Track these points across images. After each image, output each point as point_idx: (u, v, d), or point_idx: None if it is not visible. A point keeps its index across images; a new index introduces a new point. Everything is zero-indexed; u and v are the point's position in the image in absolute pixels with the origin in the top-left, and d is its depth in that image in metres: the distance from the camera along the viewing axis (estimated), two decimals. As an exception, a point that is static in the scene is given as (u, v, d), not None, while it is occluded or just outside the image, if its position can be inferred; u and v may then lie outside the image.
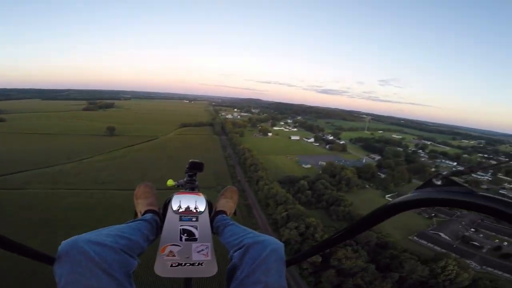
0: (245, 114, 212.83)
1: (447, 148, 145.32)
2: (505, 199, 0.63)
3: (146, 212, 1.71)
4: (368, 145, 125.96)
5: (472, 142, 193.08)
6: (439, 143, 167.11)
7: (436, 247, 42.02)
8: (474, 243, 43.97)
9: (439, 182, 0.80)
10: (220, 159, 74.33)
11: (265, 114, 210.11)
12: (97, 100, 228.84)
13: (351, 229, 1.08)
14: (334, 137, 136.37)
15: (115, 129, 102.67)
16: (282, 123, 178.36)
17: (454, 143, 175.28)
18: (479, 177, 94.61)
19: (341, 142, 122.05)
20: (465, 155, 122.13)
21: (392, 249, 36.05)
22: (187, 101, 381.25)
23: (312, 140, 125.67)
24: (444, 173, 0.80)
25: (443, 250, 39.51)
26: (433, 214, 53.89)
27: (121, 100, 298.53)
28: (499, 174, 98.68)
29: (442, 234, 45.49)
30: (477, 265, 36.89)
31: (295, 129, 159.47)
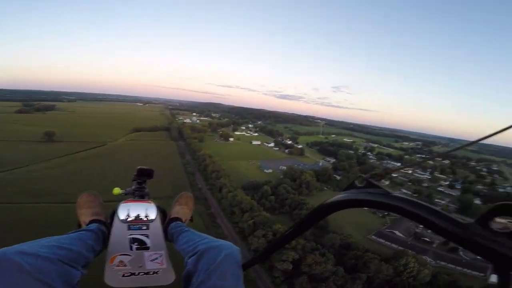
0: (204, 118, 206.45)
1: (391, 150, 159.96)
2: (412, 199, 0.72)
3: (90, 222, 1.62)
4: (323, 149, 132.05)
5: (411, 144, 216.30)
6: (384, 145, 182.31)
7: (393, 245, 44.44)
8: (425, 238, 47.66)
9: (361, 184, 0.89)
10: (178, 166, 70.08)
11: (226, 119, 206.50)
12: (35, 102, 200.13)
13: (294, 230, 1.18)
14: (292, 142, 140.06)
15: (55, 134, 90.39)
16: (244, 127, 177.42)
17: (397, 145, 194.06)
18: (419, 176, 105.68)
19: (299, 146, 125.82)
20: (407, 156, 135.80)
21: (355, 249, 37.22)
22: (141, 104, 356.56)
23: (272, 144, 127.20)
24: (364, 175, 0.88)
25: (400, 248, 41.88)
26: (386, 213, 57.49)
27: (64, 102, 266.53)
28: (436, 172, 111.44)
29: (396, 232, 48.61)
30: (432, 260, 39.54)
31: (256, 134, 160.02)
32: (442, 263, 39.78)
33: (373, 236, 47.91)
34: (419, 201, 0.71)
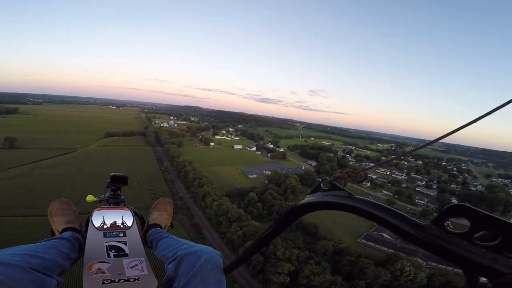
0: (183, 122, 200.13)
1: (368, 152, 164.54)
2: (373, 201, 0.77)
3: (64, 230, 1.60)
4: (304, 152, 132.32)
5: (386, 145, 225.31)
6: (361, 147, 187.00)
7: (383, 248, 44.09)
8: (411, 238, 47.93)
9: (326, 187, 0.93)
10: (156, 174, 65.54)
11: (205, 123, 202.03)
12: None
13: (270, 233, 1.22)
14: (274, 145, 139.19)
15: (17, 140, 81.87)
16: (224, 131, 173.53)
17: (372, 147, 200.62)
18: (397, 176, 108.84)
19: (281, 150, 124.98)
20: (383, 158, 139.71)
21: (348, 255, 36.47)
22: (114, 107, 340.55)
23: (254, 149, 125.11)
24: (329, 178, 0.93)
25: (391, 250, 41.57)
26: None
27: (29, 104, 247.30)
28: (412, 173, 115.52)
29: (384, 234, 48.31)
30: (423, 262, 39.03)
31: (237, 138, 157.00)
32: (433, 264, 39.68)
33: (362, 240, 47.52)
34: (379, 203, 0.76)
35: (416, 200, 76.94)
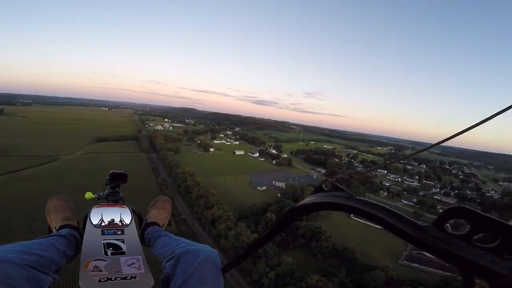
0: (178, 124, 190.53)
1: (370, 156, 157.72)
2: (374, 202, 0.77)
3: (61, 227, 1.59)
4: (309, 158, 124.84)
5: (385, 148, 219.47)
6: (363, 151, 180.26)
7: (430, 269, 39.13)
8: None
9: (327, 188, 0.92)
10: (152, 188, 55.85)
11: (202, 125, 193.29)
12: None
13: (269, 233, 1.23)
14: (276, 151, 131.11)
15: (-9, 147, 71.61)
16: (222, 135, 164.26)
17: (374, 150, 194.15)
18: (410, 183, 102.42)
19: (284, 156, 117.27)
20: (388, 162, 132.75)
21: (403, 284, 32.25)
22: (107, 109, 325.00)
23: (257, 155, 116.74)
24: (330, 179, 0.92)
25: (439, 271, 37.23)
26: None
27: (17, 105, 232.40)
28: (424, 180, 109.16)
29: (426, 253, 41.06)
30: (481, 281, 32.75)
31: (237, 142, 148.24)
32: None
33: (405, 261, 41.90)
34: (380, 204, 0.75)
35: (440, 210, 70.03)
